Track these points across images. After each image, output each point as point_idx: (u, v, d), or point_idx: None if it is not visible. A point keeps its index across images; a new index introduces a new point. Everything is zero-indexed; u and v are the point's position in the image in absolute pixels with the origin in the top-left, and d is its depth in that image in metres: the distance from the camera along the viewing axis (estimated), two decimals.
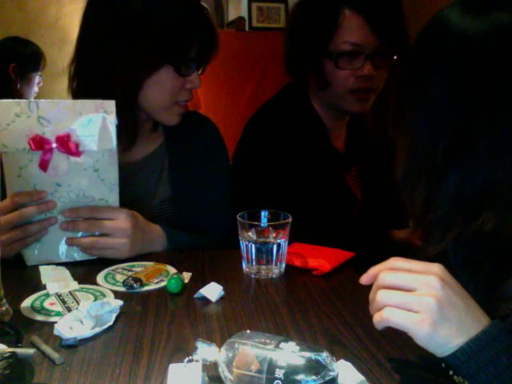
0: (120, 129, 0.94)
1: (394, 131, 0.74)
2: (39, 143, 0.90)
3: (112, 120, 0.92)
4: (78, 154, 0.92)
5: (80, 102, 0.92)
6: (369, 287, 0.65)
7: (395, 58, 1.23)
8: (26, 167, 0.91)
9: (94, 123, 0.92)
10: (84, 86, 1.08)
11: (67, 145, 0.91)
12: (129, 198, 1.07)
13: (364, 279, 0.65)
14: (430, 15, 0.70)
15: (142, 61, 1.03)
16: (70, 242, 0.96)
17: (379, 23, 1.18)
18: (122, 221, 0.95)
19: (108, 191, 0.95)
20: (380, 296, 0.59)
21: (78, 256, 0.97)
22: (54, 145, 0.91)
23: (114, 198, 0.96)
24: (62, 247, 0.96)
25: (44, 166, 0.91)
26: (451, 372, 0.61)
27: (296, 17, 1.30)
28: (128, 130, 1.07)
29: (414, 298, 0.57)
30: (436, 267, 0.59)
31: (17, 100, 0.90)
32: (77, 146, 0.91)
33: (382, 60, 1.22)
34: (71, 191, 0.94)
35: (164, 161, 1.18)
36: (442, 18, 0.67)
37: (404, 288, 0.59)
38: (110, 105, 0.92)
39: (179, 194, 1.16)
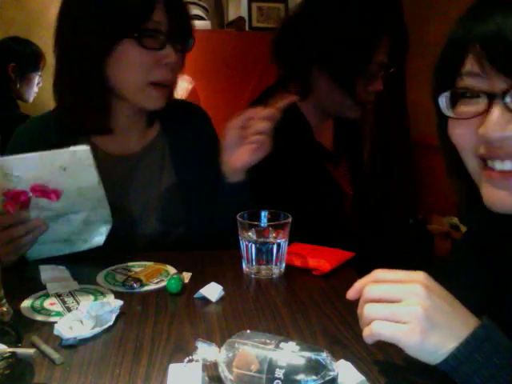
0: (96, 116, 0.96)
1: None
2: (15, 198, 0.85)
3: (89, 163, 0.86)
4: (58, 197, 0.87)
5: (49, 154, 0.84)
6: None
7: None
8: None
9: (71, 169, 0.86)
10: (62, 82, 1.07)
11: (45, 192, 0.87)
12: (133, 186, 1.09)
13: (350, 294, 0.64)
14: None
15: (96, 38, 1.00)
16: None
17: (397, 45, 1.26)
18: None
19: (97, 203, 0.93)
20: (367, 310, 0.59)
21: (74, 248, 0.98)
22: (31, 194, 0.86)
23: (104, 205, 0.94)
24: (60, 242, 0.96)
25: (24, 209, 0.88)
26: None
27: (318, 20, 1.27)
28: (101, 116, 1.07)
29: (401, 308, 0.57)
30: (419, 275, 0.59)
31: None
32: (56, 191, 0.87)
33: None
34: (60, 216, 0.91)
35: (164, 148, 1.17)
36: None
37: (390, 299, 0.58)
38: (84, 151, 0.85)
39: (185, 179, 1.16)
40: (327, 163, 1.36)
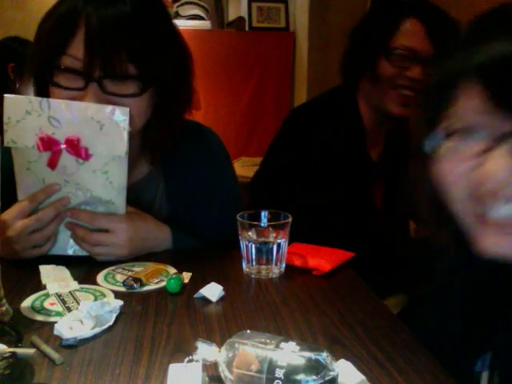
0: None
1: None
2: (47, 144, 0.89)
3: (124, 126, 0.90)
4: (86, 157, 0.91)
5: (93, 106, 0.89)
6: (368, 288, 0.64)
7: None
8: (35, 162, 0.91)
9: (106, 129, 0.89)
10: None
11: (77, 148, 0.89)
12: None
13: None
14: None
15: (34, 73, 0.96)
16: (75, 238, 0.96)
17: (438, 36, 1.26)
18: (118, 235, 0.94)
19: (116, 194, 0.95)
20: None
21: (81, 251, 0.98)
22: (63, 146, 0.89)
23: (120, 201, 0.96)
24: (68, 242, 0.97)
25: (52, 165, 0.91)
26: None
27: (362, 21, 1.38)
28: None
29: None
30: None
31: (28, 97, 0.88)
32: (86, 150, 0.90)
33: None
34: (79, 189, 0.94)
35: (159, 181, 1.12)
36: None
37: None
38: (124, 111, 0.89)
39: (176, 214, 1.11)
40: (368, 173, 1.38)
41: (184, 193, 1.11)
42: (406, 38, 1.28)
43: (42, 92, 0.94)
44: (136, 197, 1.08)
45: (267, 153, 1.45)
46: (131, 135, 0.92)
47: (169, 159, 1.10)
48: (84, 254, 0.97)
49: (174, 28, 1.01)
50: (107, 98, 0.91)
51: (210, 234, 1.09)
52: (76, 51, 0.88)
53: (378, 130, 1.40)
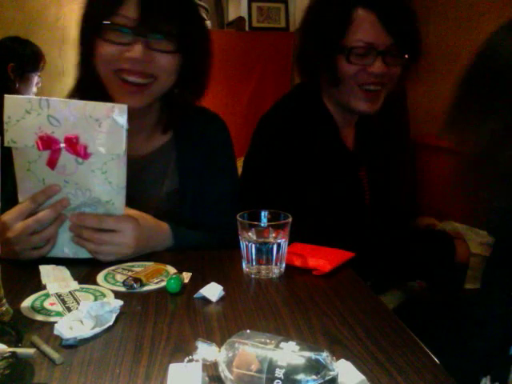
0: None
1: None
2: (47, 143, 0.89)
3: (123, 124, 0.89)
4: (85, 156, 0.91)
5: (91, 104, 0.89)
6: (368, 288, 0.64)
7: (406, 57, 1.25)
8: (34, 162, 0.91)
9: (104, 126, 0.89)
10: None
11: (75, 147, 0.90)
12: (136, 190, 1.09)
13: None
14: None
15: (81, 36, 1.10)
16: (79, 239, 0.96)
17: (392, 21, 1.20)
18: (125, 234, 0.95)
19: (115, 194, 0.94)
20: None
21: (82, 253, 0.97)
22: (63, 145, 0.90)
23: (119, 201, 0.95)
24: (67, 244, 0.97)
25: (52, 164, 0.91)
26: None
27: (310, 16, 1.32)
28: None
29: None
30: None
31: (28, 96, 0.89)
32: (85, 148, 0.90)
33: (394, 58, 1.24)
34: (78, 189, 0.93)
35: (172, 155, 1.20)
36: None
37: None
38: (122, 109, 0.89)
39: (185, 187, 1.19)
40: (352, 165, 1.36)
41: (193, 165, 1.21)
42: (360, 31, 1.20)
43: (87, 51, 1.07)
44: (149, 167, 1.18)
45: (250, 159, 1.39)
46: (151, 107, 1.05)
47: (182, 137, 1.22)
48: (84, 256, 0.97)
49: (201, 13, 1.20)
50: (149, 52, 1.04)
51: (214, 212, 1.18)
52: (129, 11, 1.02)
53: (347, 119, 1.38)
